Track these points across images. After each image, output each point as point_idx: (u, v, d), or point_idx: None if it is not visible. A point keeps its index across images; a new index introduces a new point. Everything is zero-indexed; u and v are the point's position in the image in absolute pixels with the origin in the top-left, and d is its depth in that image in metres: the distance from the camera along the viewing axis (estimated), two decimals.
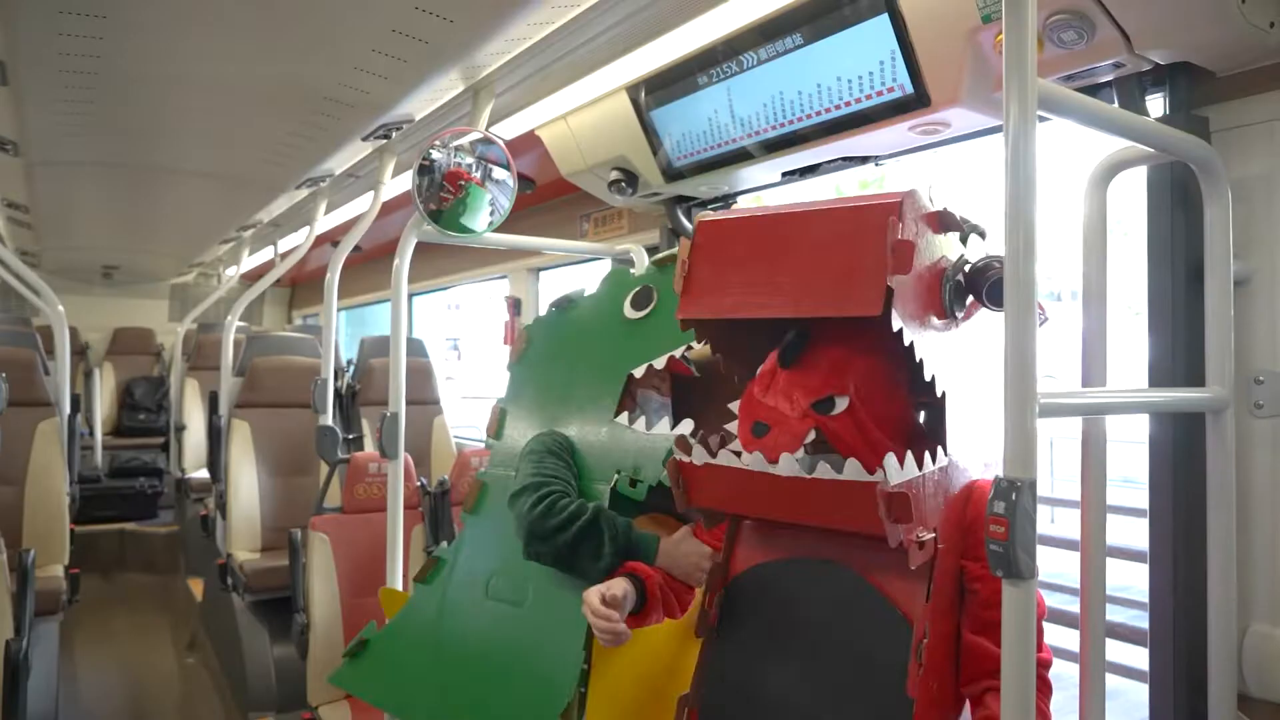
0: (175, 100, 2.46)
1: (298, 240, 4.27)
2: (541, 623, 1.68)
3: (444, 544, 1.99)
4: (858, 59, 1.68)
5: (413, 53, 1.96)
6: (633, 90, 2.17)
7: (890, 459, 1.16)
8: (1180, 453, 1.46)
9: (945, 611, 1.25)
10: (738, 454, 1.31)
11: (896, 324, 1.15)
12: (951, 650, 1.26)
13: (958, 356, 1.26)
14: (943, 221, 1.24)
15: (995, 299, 1.21)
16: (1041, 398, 0.95)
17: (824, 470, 1.18)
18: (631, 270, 1.95)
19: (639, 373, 1.72)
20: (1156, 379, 1.49)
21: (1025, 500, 0.94)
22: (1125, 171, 1.37)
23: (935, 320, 1.22)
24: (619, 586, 1.44)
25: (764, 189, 2.36)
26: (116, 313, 7.23)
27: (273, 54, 2.07)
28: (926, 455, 1.20)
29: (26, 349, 3.73)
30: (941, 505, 1.22)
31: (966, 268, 1.23)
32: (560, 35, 1.85)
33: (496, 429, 1.94)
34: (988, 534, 0.96)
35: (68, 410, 3.84)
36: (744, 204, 2.57)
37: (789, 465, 1.22)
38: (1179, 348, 1.45)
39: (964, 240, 1.28)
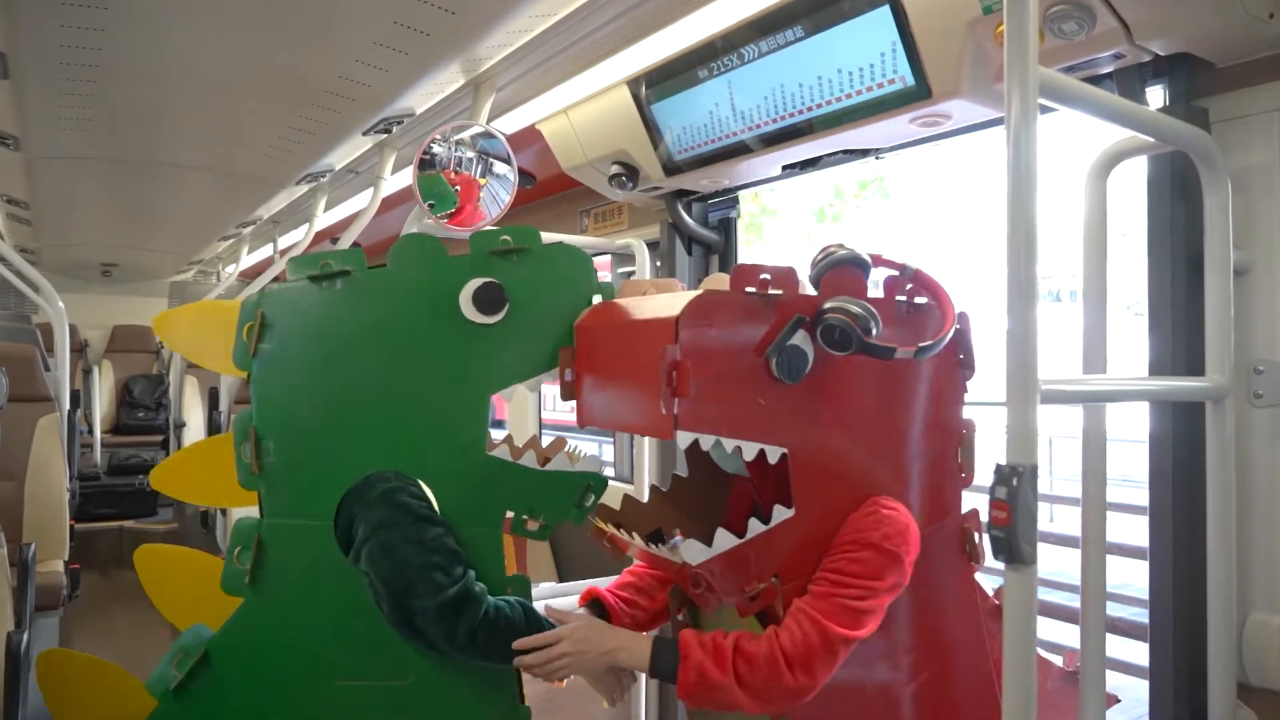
0: (176, 94, 2.46)
1: (297, 237, 4.26)
2: (445, 695, 1.44)
3: (198, 629, 1.49)
4: (859, 51, 1.68)
5: (414, 45, 1.96)
6: (633, 84, 2.17)
7: (688, 543, 1.29)
8: (1180, 444, 1.47)
9: None
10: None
11: (684, 440, 1.25)
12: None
13: (843, 396, 1.34)
14: (747, 306, 1.28)
15: (829, 343, 1.26)
16: (1043, 384, 0.96)
17: (662, 550, 1.35)
18: (438, 241, 1.53)
19: (507, 395, 1.49)
20: (1157, 369, 1.49)
21: (1026, 486, 0.94)
22: (1124, 169, 1.37)
23: (771, 391, 1.29)
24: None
25: (765, 183, 2.37)
26: (115, 310, 7.23)
27: (274, 46, 2.07)
28: (753, 520, 1.30)
29: (27, 345, 3.73)
30: (799, 546, 1.32)
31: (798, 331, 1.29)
32: (561, 28, 1.85)
33: (257, 461, 1.45)
34: (990, 519, 0.97)
35: (67, 406, 3.84)
36: (743, 200, 2.58)
37: (633, 549, 1.46)
38: (1179, 338, 1.45)
39: (817, 283, 1.33)
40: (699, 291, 1.30)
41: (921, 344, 1.27)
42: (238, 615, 1.47)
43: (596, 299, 1.53)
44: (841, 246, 1.35)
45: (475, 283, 1.47)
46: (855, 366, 1.32)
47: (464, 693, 1.45)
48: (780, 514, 1.31)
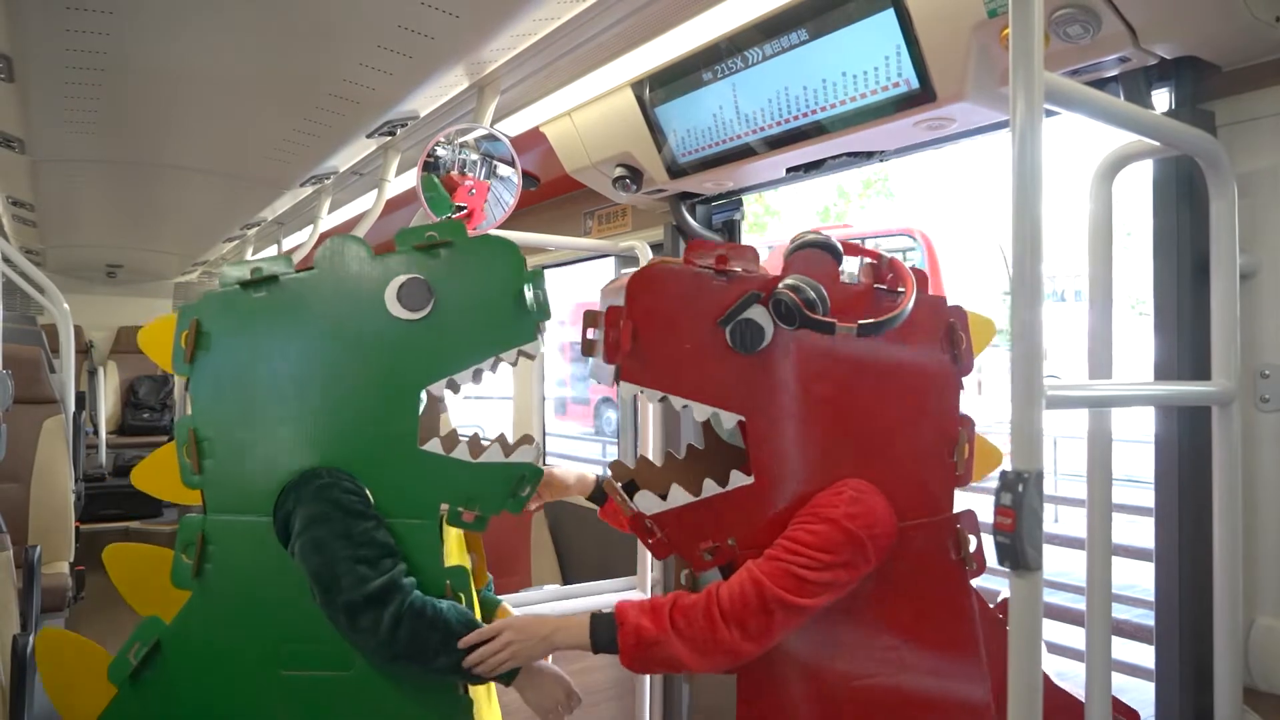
0: (181, 96, 2.46)
1: (301, 238, 4.27)
2: (389, 683, 1.46)
3: (153, 620, 1.53)
4: (863, 54, 1.68)
5: (418, 48, 1.96)
6: (637, 86, 2.17)
7: (643, 494, 1.39)
8: (1186, 448, 1.46)
9: None
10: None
11: (627, 391, 1.37)
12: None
13: (816, 373, 1.40)
14: (703, 278, 1.38)
15: (779, 316, 1.35)
16: (1048, 389, 0.96)
17: (622, 497, 1.47)
18: (359, 243, 1.56)
19: (436, 391, 1.52)
20: (1163, 373, 1.49)
21: (1032, 492, 0.94)
22: (1130, 170, 1.37)
23: (731, 361, 1.38)
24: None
25: (769, 185, 2.36)
26: (120, 311, 7.23)
27: (278, 49, 2.07)
28: (709, 481, 1.39)
29: (32, 346, 3.74)
30: (759, 514, 1.39)
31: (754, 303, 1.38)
32: (565, 31, 1.85)
33: (198, 461, 1.50)
34: (995, 525, 0.97)
35: (72, 408, 3.84)
36: (747, 201, 2.58)
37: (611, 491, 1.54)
38: (1185, 342, 1.45)
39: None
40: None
41: (862, 321, 1.32)
42: (186, 608, 1.52)
43: (528, 289, 1.53)
44: (814, 232, 1.44)
45: (399, 280, 1.51)
46: (829, 347, 1.39)
47: (407, 682, 1.47)
48: (737, 479, 1.38)
